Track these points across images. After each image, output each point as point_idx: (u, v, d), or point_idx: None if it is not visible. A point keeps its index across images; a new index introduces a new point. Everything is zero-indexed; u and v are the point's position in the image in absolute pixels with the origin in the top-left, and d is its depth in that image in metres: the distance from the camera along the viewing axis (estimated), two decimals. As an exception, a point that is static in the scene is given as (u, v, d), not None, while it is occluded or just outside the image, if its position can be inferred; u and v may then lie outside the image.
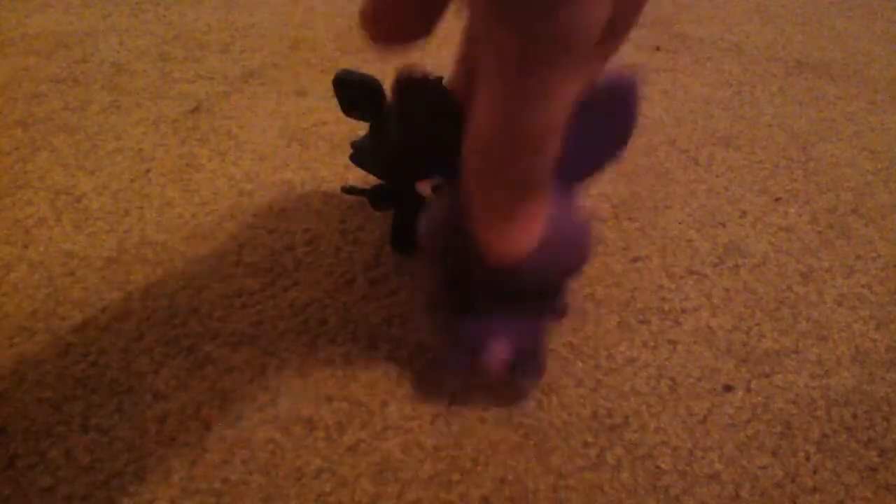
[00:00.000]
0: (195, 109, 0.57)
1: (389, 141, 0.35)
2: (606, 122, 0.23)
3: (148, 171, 0.49)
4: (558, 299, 0.30)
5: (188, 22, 0.74)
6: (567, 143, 0.23)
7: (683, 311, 0.37)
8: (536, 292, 0.28)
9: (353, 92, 0.36)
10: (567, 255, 0.26)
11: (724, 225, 0.44)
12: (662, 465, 0.29)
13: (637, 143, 0.52)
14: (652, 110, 0.57)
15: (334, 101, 0.58)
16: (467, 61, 0.25)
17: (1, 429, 0.31)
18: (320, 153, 0.51)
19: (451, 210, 0.25)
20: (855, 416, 0.32)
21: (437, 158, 0.35)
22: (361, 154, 0.38)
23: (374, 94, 0.36)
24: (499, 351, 0.28)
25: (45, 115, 0.56)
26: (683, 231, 0.43)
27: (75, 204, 0.45)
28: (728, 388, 0.33)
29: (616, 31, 0.20)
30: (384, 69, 0.61)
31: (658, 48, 0.69)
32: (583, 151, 0.24)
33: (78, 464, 0.29)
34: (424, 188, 0.36)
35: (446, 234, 0.26)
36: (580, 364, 0.34)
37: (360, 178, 0.47)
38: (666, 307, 0.38)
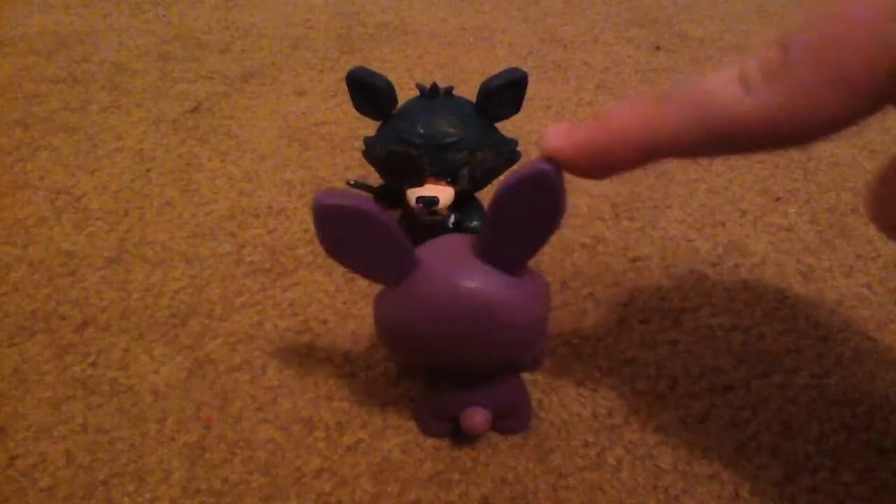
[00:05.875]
0: (195, 109, 0.57)
1: (395, 143, 0.35)
2: (533, 207, 0.23)
3: (148, 171, 0.49)
4: (531, 357, 0.30)
5: (188, 22, 0.74)
6: (495, 230, 0.24)
7: (683, 310, 0.37)
8: (497, 367, 0.28)
9: (366, 91, 0.36)
10: (517, 332, 0.26)
11: (724, 225, 0.44)
12: (662, 465, 0.29)
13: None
14: (652, 110, 0.57)
15: (334, 101, 0.58)
16: None
17: (1, 429, 0.31)
18: (320, 153, 0.51)
19: (399, 306, 0.26)
20: (854, 416, 0.32)
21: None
22: (369, 152, 0.38)
23: (386, 95, 0.36)
24: (476, 419, 0.28)
25: (45, 115, 0.56)
26: (683, 231, 0.43)
27: (75, 204, 0.45)
28: (728, 388, 0.33)
29: None
30: (384, 68, 0.61)
31: (658, 48, 0.69)
32: (516, 236, 0.24)
33: (78, 464, 0.29)
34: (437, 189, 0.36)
35: (396, 328, 0.26)
36: (580, 364, 0.34)
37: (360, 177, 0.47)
38: (666, 307, 0.38)
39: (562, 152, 0.21)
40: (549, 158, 0.22)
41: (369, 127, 0.38)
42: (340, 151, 0.51)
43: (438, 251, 0.26)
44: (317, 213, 0.23)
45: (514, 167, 0.27)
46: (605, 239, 0.43)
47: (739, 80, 0.18)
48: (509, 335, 0.25)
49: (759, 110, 0.17)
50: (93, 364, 0.34)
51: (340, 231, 0.24)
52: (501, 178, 0.23)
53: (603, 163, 0.21)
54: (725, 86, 0.18)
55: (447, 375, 0.28)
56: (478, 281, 0.24)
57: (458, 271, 0.25)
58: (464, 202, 0.38)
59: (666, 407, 0.32)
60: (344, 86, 0.37)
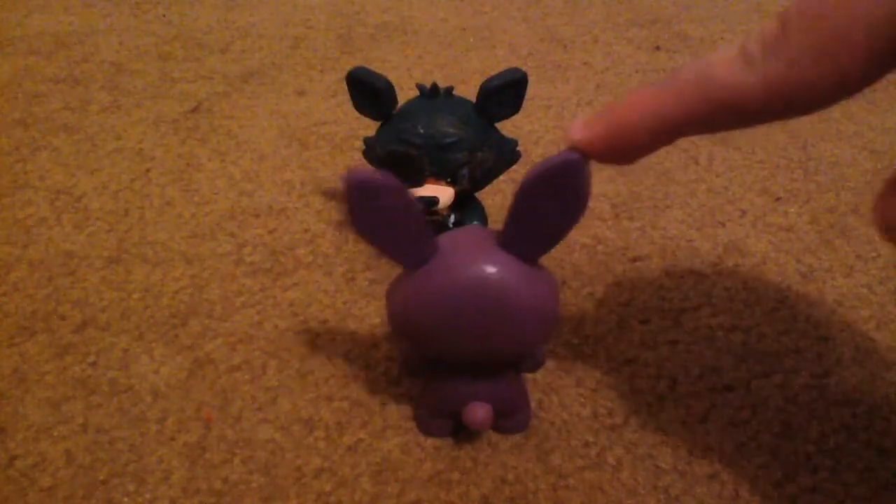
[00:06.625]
0: (195, 109, 0.57)
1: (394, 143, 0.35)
2: (558, 197, 0.24)
3: (148, 171, 0.49)
4: (534, 355, 0.30)
5: (188, 22, 0.74)
6: (520, 220, 0.24)
7: (683, 310, 0.37)
8: (507, 359, 0.28)
9: (366, 91, 0.36)
10: (532, 323, 0.26)
11: (724, 225, 0.44)
12: (662, 465, 0.29)
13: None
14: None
15: (334, 101, 0.58)
16: None
17: (1, 429, 0.31)
18: (320, 153, 0.51)
19: (417, 290, 0.26)
20: (854, 416, 0.32)
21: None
22: (369, 152, 0.38)
23: (386, 95, 0.36)
24: (479, 413, 0.28)
25: (45, 115, 0.56)
26: (683, 231, 0.43)
27: (75, 204, 0.45)
28: (728, 388, 0.33)
29: None
30: (384, 68, 0.61)
31: (658, 48, 0.69)
32: (539, 226, 0.25)
33: (78, 464, 0.29)
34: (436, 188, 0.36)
35: (412, 314, 0.26)
36: (580, 364, 0.34)
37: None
38: (666, 307, 0.38)
39: (585, 142, 0.22)
40: (574, 149, 0.22)
41: (369, 127, 0.38)
42: (340, 151, 0.51)
43: (459, 238, 0.26)
44: (350, 187, 0.23)
45: (540, 159, 0.27)
46: (605, 239, 0.43)
47: (741, 54, 0.18)
48: (525, 325, 0.26)
49: (760, 83, 0.18)
50: (93, 364, 0.34)
51: (370, 206, 0.24)
52: (527, 168, 0.23)
53: (623, 148, 0.22)
54: (728, 61, 0.18)
55: (448, 370, 0.28)
56: (498, 267, 0.25)
57: (478, 257, 0.25)
58: (464, 202, 0.38)
59: (666, 407, 0.32)
60: (344, 86, 0.37)
